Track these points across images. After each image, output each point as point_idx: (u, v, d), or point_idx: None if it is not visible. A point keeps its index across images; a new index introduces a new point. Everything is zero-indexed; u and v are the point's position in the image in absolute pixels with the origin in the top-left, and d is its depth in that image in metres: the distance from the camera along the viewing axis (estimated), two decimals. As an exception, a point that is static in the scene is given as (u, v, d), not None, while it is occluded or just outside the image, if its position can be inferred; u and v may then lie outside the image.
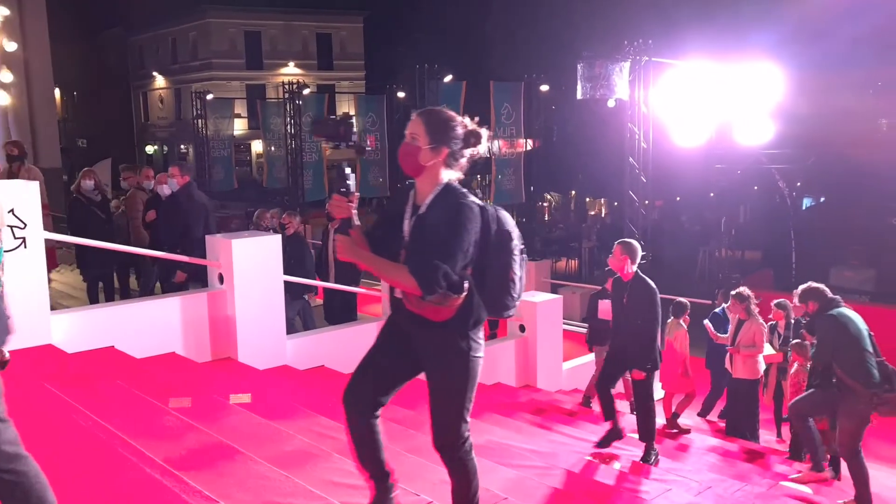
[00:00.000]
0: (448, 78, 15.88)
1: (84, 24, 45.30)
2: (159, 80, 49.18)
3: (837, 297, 6.01)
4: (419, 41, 38.30)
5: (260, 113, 22.76)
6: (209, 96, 22.74)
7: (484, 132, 3.21)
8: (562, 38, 28.90)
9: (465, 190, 3.15)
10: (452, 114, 3.18)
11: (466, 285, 3.08)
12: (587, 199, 27.20)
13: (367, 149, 18.60)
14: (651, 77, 10.97)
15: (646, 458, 6.08)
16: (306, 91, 18.04)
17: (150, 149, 50.37)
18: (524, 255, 3.23)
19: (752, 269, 18.68)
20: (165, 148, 49.30)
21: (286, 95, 17.43)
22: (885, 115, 16.48)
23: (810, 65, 14.06)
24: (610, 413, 6.33)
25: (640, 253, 6.35)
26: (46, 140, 19.70)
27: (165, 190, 8.50)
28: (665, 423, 8.37)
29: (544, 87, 16.37)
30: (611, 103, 12.18)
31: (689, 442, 7.71)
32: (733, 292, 8.16)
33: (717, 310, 9.32)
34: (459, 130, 3.13)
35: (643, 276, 6.30)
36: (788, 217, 17.05)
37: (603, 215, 25.80)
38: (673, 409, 8.42)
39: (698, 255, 19.63)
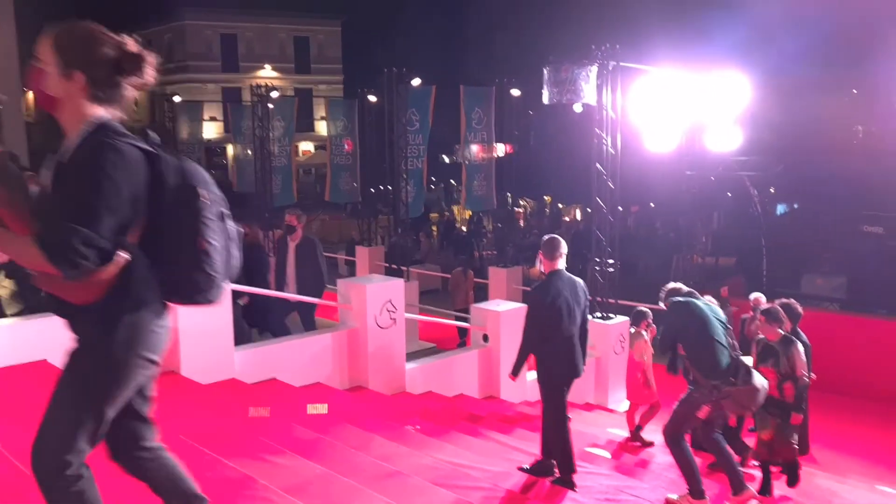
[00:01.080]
0: (416, 81, 15.63)
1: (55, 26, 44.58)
2: (134, 82, 48.53)
3: (692, 291, 5.84)
4: (396, 45, 38.12)
5: (230, 116, 22.46)
6: (176, 98, 22.41)
7: (149, 56, 2.45)
8: (534, 43, 28.90)
9: (125, 130, 2.39)
10: (97, 29, 2.40)
11: (123, 255, 2.32)
12: (560, 206, 27.09)
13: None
14: (619, 82, 10.78)
15: (539, 471, 5.58)
16: (275, 94, 17.68)
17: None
18: (228, 222, 2.53)
19: (726, 275, 18.60)
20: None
21: (255, 99, 17.11)
22: (862, 122, 16.49)
23: (779, 72, 14.01)
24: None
25: (560, 250, 5.81)
26: (15, 145, 19.28)
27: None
28: (628, 436, 8.17)
29: (515, 92, 16.19)
30: (577, 108, 12.03)
31: (650, 457, 7.50)
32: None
33: None
34: (106, 51, 2.36)
35: (557, 276, 5.81)
36: (760, 224, 16.98)
37: (578, 221, 25.74)
38: (637, 422, 8.22)
39: (672, 261, 19.51)
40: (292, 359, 7.66)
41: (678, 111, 11.75)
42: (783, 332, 6.44)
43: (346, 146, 18.71)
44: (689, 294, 5.74)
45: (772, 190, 20.51)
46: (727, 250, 20.68)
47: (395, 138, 14.48)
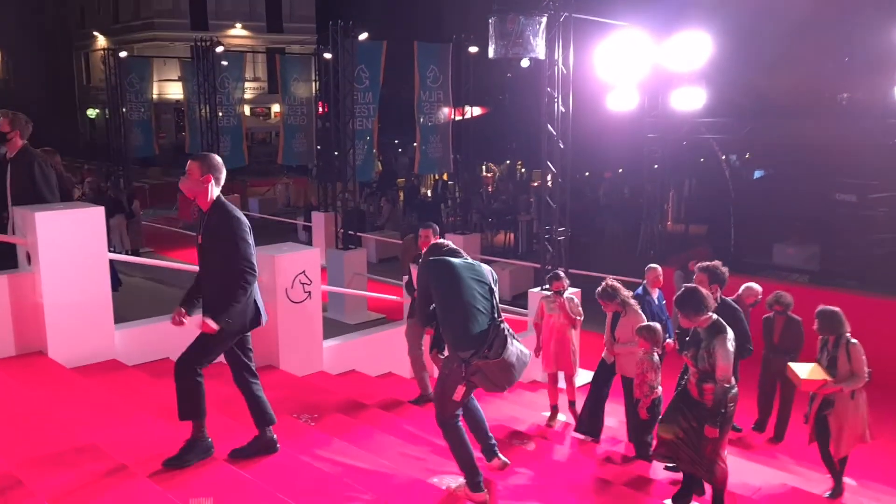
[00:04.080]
0: (363, 36, 14.66)
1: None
2: (101, 41, 46.98)
3: (456, 249, 4.76)
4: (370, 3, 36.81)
5: (182, 74, 21.41)
6: (122, 54, 21.28)
7: None
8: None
9: None
10: None
11: None
12: (532, 171, 26.25)
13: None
14: (571, 35, 9.93)
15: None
16: (220, 49, 16.64)
17: (91, 112, 48.29)
18: None
19: (696, 244, 17.94)
20: (108, 111, 47.25)
21: (193, 55, 16.07)
22: (847, 90, 15.70)
23: (747, 33, 13.18)
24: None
25: (223, 170, 4.45)
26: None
27: None
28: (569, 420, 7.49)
29: (473, 49, 15.25)
30: (524, 63, 11.21)
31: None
32: (599, 290, 7.01)
33: (638, 290, 8.34)
34: None
35: (226, 204, 4.46)
36: (728, 191, 16.27)
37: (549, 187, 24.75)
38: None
39: (640, 229, 18.79)
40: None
41: (637, 67, 11.02)
42: (714, 318, 5.22)
43: (301, 106, 17.80)
44: (449, 252, 4.74)
45: (747, 155, 19.80)
46: (698, 218, 20.00)
47: (341, 96, 13.53)
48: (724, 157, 16.05)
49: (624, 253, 17.45)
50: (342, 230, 14.37)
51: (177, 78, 34.84)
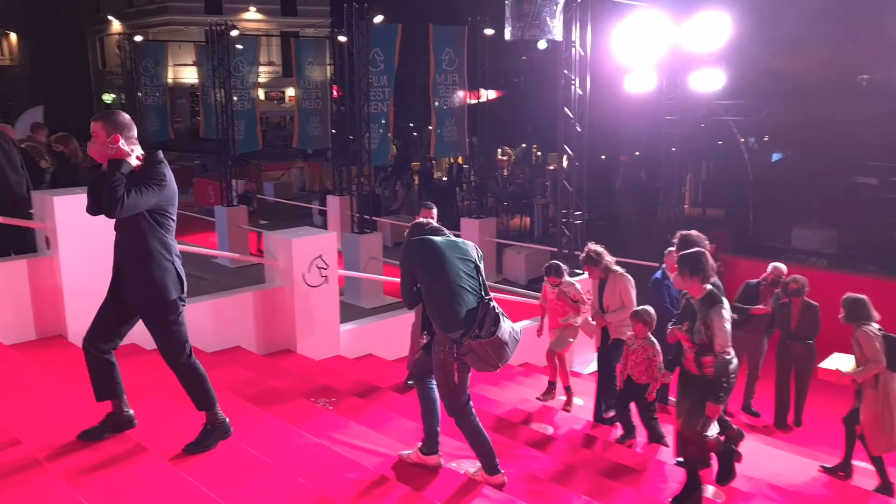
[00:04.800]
0: (378, 19, 14.55)
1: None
2: (116, 25, 47.05)
3: (439, 228, 4.62)
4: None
5: (196, 59, 21.40)
6: (137, 38, 21.26)
7: None
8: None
9: None
10: None
11: None
12: (548, 154, 26.08)
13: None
14: (589, 16, 9.82)
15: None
16: (234, 33, 16.60)
17: (107, 97, 48.42)
18: None
19: (714, 227, 17.79)
20: (124, 96, 47.37)
21: (208, 39, 16.03)
22: (868, 71, 15.45)
23: (767, 13, 12.97)
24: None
25: (132, 127, 4.14)
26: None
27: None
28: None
29: (489, 31, 15.11)
30: (541, 45, 11.12)
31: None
32: (582, 256, 6.95)
33: (657, 273, 8.26)
34: None
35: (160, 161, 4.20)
36: (747, 173, 16.09)
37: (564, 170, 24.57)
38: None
39: (657, 213, 18.66)
40: (205, 320, 6.90)
41: (655, 48, 10.90)
42: (710, 288, 4.91)
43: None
44: (431, 231, 4.59)
45: (766, 137, 19.57)
46: (716, 201, 19.82)
47: (356, 80, 13.46)
48: (742, 140, 15.86)
49: (641, 236, 17.33)
50: (357, 214, 14.35)
51: (191, 62, 34.80)
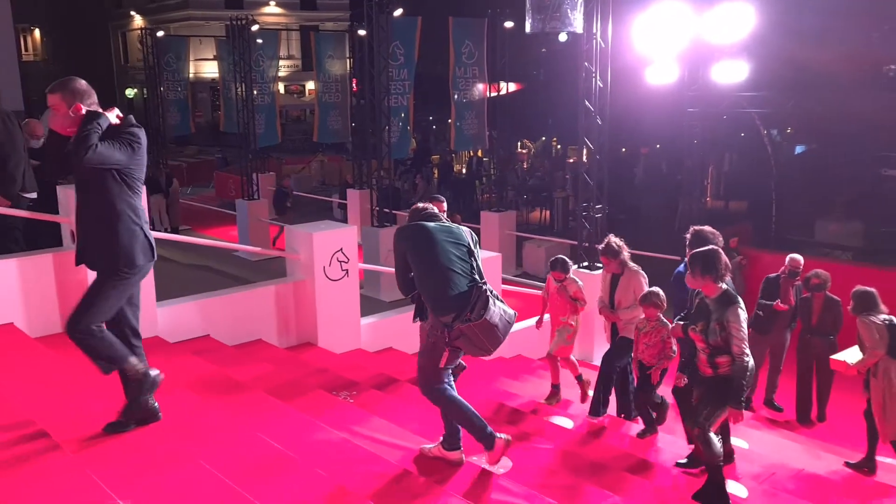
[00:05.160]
0: (398, 12, 14.55)
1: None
2: (138, 20, 47.38)
3: (434, 213, 4.51)
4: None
5: (217, 53, 21.52)
6: (159, 33, 21.43)
7: None
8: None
9: None
10: None
11: None
12: (568, 147, 25.99)
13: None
14: (610, 8, 9.74)
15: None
16: (254, 28, 16.67)
17: (130, 92, 48.82)
18: None
19: (737, 220, 17.65)
20: (146, 91, 47.74)
21: (229, 33, 16.11)
22: (894, 61, 15.23)
23: (791, 4, 12.80)
24: None
25: (91, 93, 4.01)
26: (7, 81, 18.51)
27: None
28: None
29: (508, 24, 15.06)
30: (562, 37, 11.06)
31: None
32: (602, 245, 6.78)
33: (679, 267, 8.18)
34: None
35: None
36: (770, 166, 15.93)
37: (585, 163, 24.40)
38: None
39: (678, 205, 18.54)
40: (227, 314, 6.96)
41: (677, 40, 10.81)
42: (725, 287, 4.75)
43: (335, 83, 17.77)
44: (426, 217, 4.51)
45: (789, 130, 19.37)
46: (739, 194, 19.65)
47: (375, 73, 13.47)
48: (765, 132, 15.69)
49: (661, 229, 17.24)
50: (377, 208, 14.38)
51: (212, 57, 35.02)
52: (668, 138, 19.65)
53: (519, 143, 27.20)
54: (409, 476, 4.24)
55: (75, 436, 4.05)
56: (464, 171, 25.31)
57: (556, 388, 7.29)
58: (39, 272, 5.92)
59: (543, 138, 28.47)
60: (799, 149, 19.61)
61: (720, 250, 4.94)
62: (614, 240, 6.71)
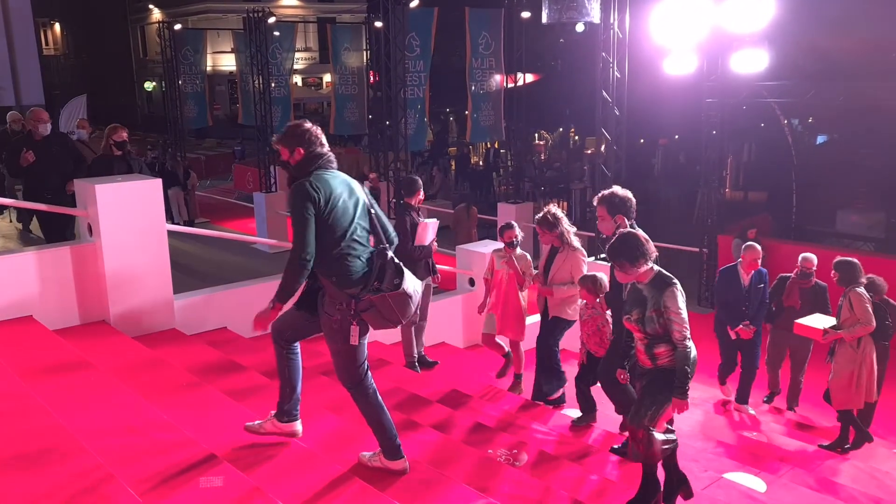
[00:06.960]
0: (414, 3, 14.52)
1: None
2: (156, 14, 47.60)
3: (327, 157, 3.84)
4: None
5: (235, 46, 21.57)
6: (177, 26, 21.51)
7: None
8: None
9: None
10: None
11: None
12: (586, 139, 25.88)
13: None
14: (627, -2, 9.68)
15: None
16: (271, 20, 16.70)
17: (148, 85, 49.12)
18: None
19: (756, 211, 17.48)
20: (164, 84, 48.00)
21: (246, 26, 16.15)
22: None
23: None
24: None
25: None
26: (27, 75, 18.66)
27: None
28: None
29: (525, 14, 14.98)
30: (579, 27, 10.98)
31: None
32: (538, 216, 6.41)
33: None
34: None
35: None
36: (790, 156, 15.74)
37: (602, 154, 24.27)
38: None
39: (696, 196, 18.40)
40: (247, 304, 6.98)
41: (696, 29, 10.67)
42: (656, 269, 4.24)
43: (352, 75, 17.76)
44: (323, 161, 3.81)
45: (810, 119, 19.14)
46: (758, 184, 19.46)
47: (392, 64, 13.45)
48: (785, 122, 15.49)
49: (680, 220, 17.12)
50: (394, 199, 14.37)
51: (230, 50, 35.13)
52: (686, 129, 19.45)
53: (536, 135, 27.09)
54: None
55: (91, 427, 4.07)
56: (481, 162, 25.26)
57: (507, 355, 7.05)
58: (58, 265, 5.95)
59: (561, 129, 28.33)
60: (820, 139, 19.37)
61: (634, 232, 4.36)
62: (553, 210, 6.34)
